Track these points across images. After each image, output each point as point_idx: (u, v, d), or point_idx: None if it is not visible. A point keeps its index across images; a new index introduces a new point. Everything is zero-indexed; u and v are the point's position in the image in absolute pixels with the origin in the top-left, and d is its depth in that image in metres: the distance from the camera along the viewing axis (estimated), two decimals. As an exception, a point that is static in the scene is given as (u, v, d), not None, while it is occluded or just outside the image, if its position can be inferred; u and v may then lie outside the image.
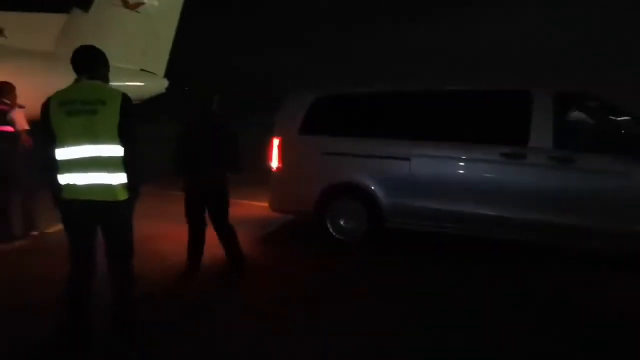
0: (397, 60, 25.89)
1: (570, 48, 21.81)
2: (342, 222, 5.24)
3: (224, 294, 4.01)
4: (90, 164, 2.60)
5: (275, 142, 5.47)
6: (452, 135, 4.92)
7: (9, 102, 5.40)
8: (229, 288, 4.15)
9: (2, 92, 5.36)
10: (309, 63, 28.52)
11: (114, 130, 2.58)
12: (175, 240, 4.98)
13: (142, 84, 11.74)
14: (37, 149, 3.68)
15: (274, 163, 5.45)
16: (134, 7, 10.96)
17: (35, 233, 5.54)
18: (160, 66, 12.58)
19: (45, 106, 2.63)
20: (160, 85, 12.57)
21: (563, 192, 4.52)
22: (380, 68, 25.45)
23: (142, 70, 11.74)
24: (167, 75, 12.59)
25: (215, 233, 4.21)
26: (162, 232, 5.62)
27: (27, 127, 5.35)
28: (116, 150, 2.62)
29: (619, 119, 4.91)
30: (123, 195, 2.69)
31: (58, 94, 2.67)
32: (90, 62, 2.72)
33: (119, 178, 2.66)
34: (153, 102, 12.38)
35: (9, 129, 5.28)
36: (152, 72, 12.10)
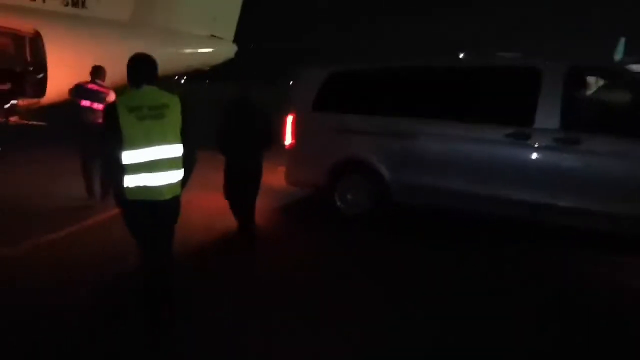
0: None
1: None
2: (349, 197, 5.28)
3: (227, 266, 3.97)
4: (161, 165, 2.72)
5: (289, 118, 5.49)
6: (457, 114, 4.75)
7: (104, 84, 5.73)
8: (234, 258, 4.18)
9: (98, 75, 5.73)
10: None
11: (179, 131, 2.76)
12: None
13: (213, 49, 11.74)
14: (103, 153, 3.74)
15: (287, 139, 5.50)
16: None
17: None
18: (229, 31, 12.65)
19: (114, 111, 2.65)
20: (229, 50, 12.68)
21: (572, 174, 4.21)
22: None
23: (212, 36, 11.76)
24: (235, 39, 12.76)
25: (228, 202, 4.53)
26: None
27: None
28: (180, 150, 2.78)
29: None
30: (179, 191, 2.86)
31: (123, 100, 2.71)
32: (149, 72, 2.77)
33: (180, 175, 2.82)
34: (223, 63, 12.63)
35: None
36: (221, 38, 12.27)
